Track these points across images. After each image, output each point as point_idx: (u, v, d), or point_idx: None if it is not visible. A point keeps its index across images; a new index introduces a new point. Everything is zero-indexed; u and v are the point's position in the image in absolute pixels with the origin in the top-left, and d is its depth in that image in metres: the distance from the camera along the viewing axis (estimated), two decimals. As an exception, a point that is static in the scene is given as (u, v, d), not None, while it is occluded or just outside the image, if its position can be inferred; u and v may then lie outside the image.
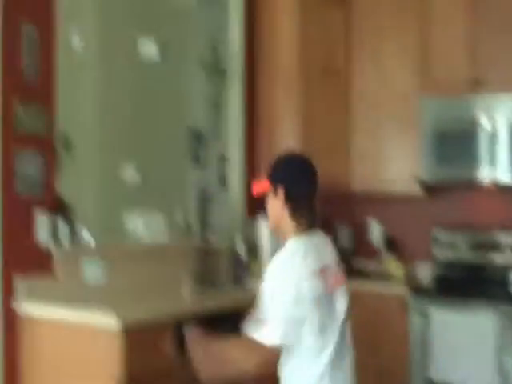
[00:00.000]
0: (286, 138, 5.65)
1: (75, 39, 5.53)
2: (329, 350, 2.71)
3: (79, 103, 5.53)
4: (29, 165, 4.00)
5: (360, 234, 5.93)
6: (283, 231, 2.84)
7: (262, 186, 2.87)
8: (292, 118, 5.66)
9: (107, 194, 5.77)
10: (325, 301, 2.71)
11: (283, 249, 2.77)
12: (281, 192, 2.80)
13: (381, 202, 5.79)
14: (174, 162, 6.27)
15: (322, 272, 2.72)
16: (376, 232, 5.81)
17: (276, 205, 2.81)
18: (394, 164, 5.52)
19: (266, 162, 5.74)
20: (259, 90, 5.84)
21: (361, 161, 5.65)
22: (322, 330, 2.68)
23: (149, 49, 5.97)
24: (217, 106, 6.01)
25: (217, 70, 5.89)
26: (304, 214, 2.82)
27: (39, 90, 4.07)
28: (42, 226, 4.06)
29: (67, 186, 4.57)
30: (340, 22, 5.76)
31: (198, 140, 6.80)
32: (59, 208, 4.19)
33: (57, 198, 4.23)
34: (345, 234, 5.90)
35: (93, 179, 5.75)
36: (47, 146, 4.14)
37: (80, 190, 5.24)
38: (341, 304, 2.80)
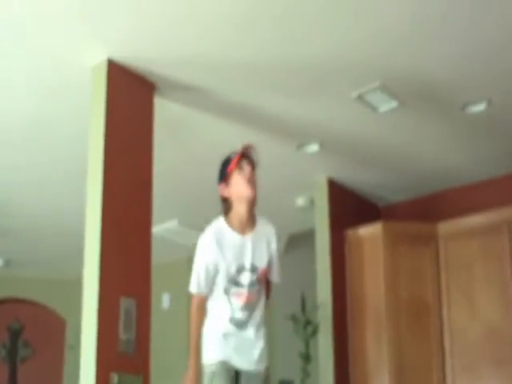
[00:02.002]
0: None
1: (165, 300, 5.71)
2: None
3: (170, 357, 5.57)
4: None
5: None
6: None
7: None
8: (384, 365, 5.55)
9: None
10: None
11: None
12: None
13: None
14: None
15: None
16: None
17: None
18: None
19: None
20: (349, 339, 5.81)
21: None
22: None
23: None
24: (307, 356, 5.91)
25: (305, 322, 5.88)
26: None
27: (135, 360, 4.11)
28: None
29: None
30: (427, 260, 5.81)
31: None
32: None
33: None
34: None
35: None
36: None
37: None
38: None
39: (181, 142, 5.38)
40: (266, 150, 5.53)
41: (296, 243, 7.25)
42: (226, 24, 3.98)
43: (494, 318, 5.40)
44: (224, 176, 3.20)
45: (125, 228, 4.22)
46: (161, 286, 6.38)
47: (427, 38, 4.18)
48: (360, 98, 4.76)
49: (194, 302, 3.21)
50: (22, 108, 4.81)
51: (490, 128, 5.30)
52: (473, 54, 4.34)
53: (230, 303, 3.15)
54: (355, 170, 6.00)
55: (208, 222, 3.21)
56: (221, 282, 3.15)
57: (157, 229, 4.93)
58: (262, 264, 3.20)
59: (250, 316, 3.17)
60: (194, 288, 3.19)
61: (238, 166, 3.18)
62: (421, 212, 6.38)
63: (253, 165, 3.21)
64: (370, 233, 5.92)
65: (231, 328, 3.14)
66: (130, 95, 4.42)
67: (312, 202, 6.28)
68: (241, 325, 3.16)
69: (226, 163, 3.22)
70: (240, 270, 3.15)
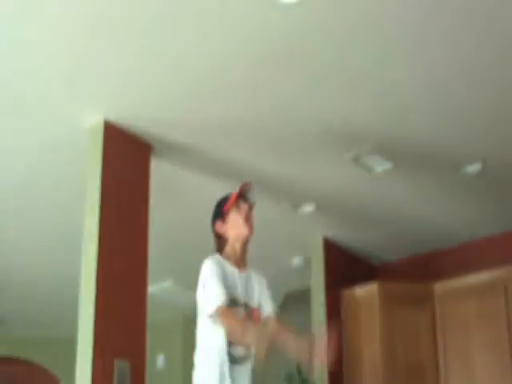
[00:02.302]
0: None
1: (160, 360, 5.67)
2: None
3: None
4: None
5: None
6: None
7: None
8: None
9: None
10: None
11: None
12: None
13: None
14: None
15: None
16: None
17: None
18: None
19: None
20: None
21: None
22: None
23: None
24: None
25: (301, 381, 5.84)
26: None
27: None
28: None
29: None
30: (424, 321, 5.78)
31: None
32: None
33: None
34: None
35: None
36: None
37: None
38: None
39: (177, 201, 5.40)
40: (262, 210, 5.54)
41: (292, 303, 7.21)
42: (221, 85, 4.05)
43: (491, 382, 5.34)
44: (221, 214, 3.21)
45: (120, 288, 4.20)
46: (156, 346, 6.33)
47: (422, 102, 4.25)
48: (355, 159, 4.81)
49: (221, 315, 2.94)
50: (18, 165, 4.85)
51: (486, 187, 5.34)
52: (467, 114, 4.41)
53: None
54: (351, 229, 6.02)
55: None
56: None
57: (152, 288, 4.90)
58: (253, 303, 3.16)
59: (248, 354, 3.06)
60: (214, 303, 2.95)
61: (236, 204, 3.20)
62: (417, 271, 6.38)
63: (250, 203, 3.23)
64: (365, 293, 5.90)
65: (228, 364, 3.00)
66: (126, 157, 4.46)
67: (308, 262, 6.28)
68: (239, 361, 3.05)
69: (223, 201, 3.24)
70: (233, 301, 3.05)
